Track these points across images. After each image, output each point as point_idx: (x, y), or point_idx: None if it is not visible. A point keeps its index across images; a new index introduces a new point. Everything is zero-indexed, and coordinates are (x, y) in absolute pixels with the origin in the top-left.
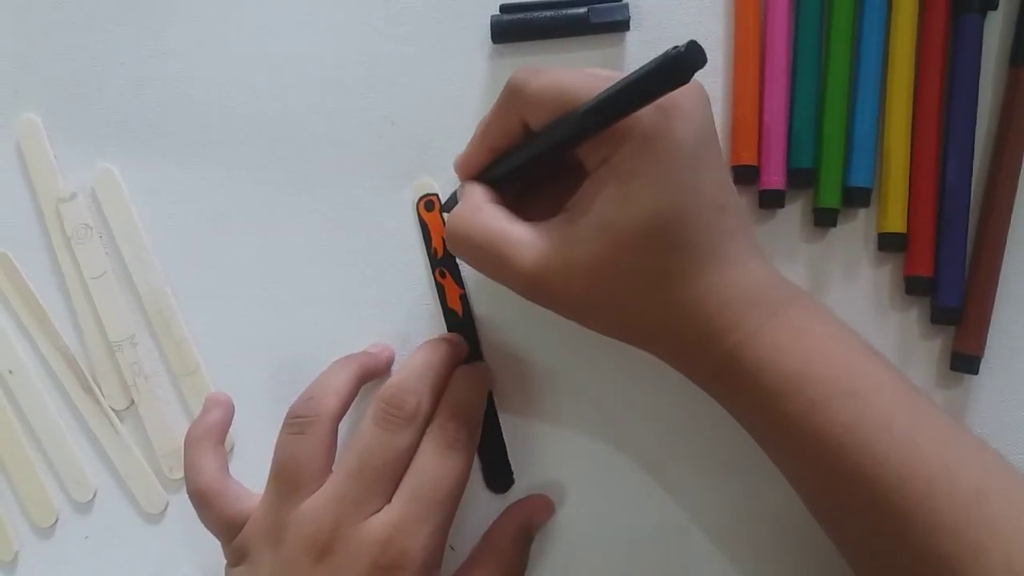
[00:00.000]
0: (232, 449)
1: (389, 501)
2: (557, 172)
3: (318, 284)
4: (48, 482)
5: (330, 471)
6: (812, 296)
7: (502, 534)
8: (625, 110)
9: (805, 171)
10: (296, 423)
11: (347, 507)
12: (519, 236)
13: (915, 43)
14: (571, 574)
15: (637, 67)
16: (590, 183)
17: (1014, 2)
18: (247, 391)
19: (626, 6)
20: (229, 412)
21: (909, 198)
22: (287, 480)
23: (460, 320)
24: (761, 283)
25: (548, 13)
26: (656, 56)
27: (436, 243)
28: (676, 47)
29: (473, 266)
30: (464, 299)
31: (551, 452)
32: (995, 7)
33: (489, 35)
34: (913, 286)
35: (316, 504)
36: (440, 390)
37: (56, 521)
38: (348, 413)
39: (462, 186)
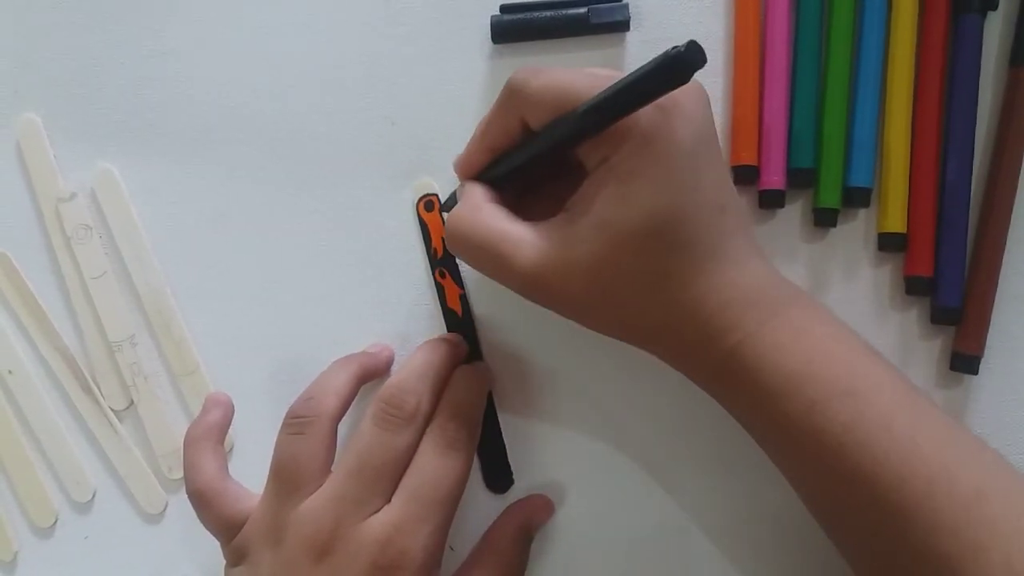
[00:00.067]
0: (232, 449)
1: (389, 501)
2: (557, 172)
3: (318, 284)
4: (48, 482)
5: (330, 471)
6: (812, 296)
7: (502, 534)
8: (624, 110)
9: (805, 171)
10: (296, 423)
11: (347, 507)
12: (518, 236)
13: (915, 43)
14: (571, 574)
15: (637, 67)
16: (589, 183)
17: (1014, 2)
18: (247, 391)
19: (626, 6)
20: (229, 412)
21: (909, 198)
22: (287, 480)
23: (460, 320)
24: (761, 283)
25: (548, 13)
26: (656, 56)
27: (436, 243)
28: (676, 47)
29: (472, 266)
30: (464, 299)
31: (551, 452)
32: (995, 7)
33: (489, 35)
34: (913, 286)
35: (316, 504)
36: (440, 390)
37: (56, 521)
38: (348, 413)
39: (462, 186)
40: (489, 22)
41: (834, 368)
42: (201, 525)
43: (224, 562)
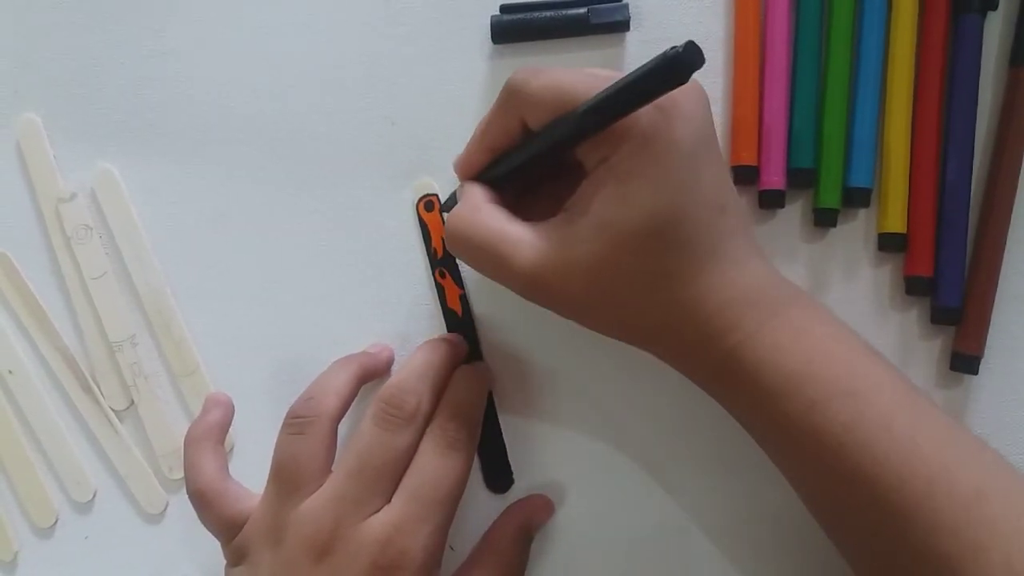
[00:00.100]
0: (232, 449)
1: (389, 501)
2: (556, 172)
3: (318, 284)
4: (48, 482)
5: (330, 471)
6: (812, 296)
7: (502, 534)
8: (624, 110)
9: (805, 171)
10: (296, 423)
11: (347, 507)
12: (518, 236)
13: (915, 43)
14: (571, 574)
15: (637, 67)
16: (589, 183)
17: (1014, 2)
18: (247, 391)
19: (626, 6)
20: (229, 412)
21: (909, 198)
22: (287, 480)
23: (460, 320)
24: (761, 283)
25: (548, 13)
26: (654, 56)
27: (436, 243)
28: (674, 47)
29: (472, 266)
30: (464, 299)
31: (551, 452)
32: (995, 7)
33: (489, 35)
34: (913, 286)
35: (316, 504)
36: (440, 390)
37: (56, 521)
38: (348, 413)
39: (461, 186)
40: (489, 22)
41: (834, 368)
42: (201, 525)
43: (224, 562)
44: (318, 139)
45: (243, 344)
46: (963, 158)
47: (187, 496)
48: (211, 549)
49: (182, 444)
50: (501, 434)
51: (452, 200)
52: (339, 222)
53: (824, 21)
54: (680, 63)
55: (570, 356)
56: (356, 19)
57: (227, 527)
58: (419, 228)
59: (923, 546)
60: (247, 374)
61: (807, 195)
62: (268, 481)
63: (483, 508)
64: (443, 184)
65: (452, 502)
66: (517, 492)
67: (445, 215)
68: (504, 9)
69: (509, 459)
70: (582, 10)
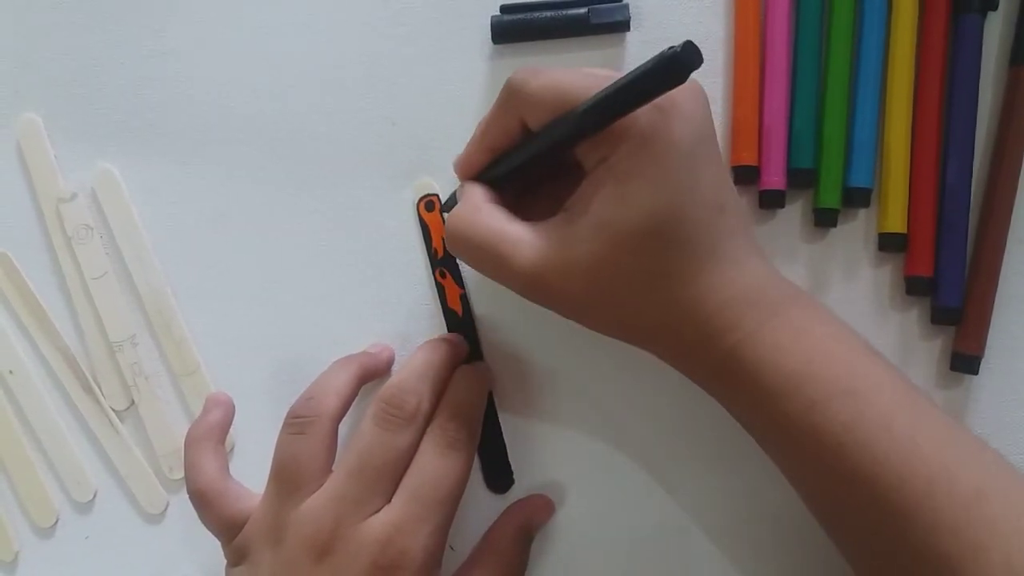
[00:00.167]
0: (232, 449)
1: (389, 501)
2: (556, 172)
3: (318, 284)
4: (48, 482)
5: (330, 471)
6: (812, 296)
7: (502, 534)
8: (622, 110)
9: (805, 171)
10: (296, 423)
11: (347, 507)
12: (518, 236)
13: (915, 43)
14: (571, 574)
15: (636, 67)
16: (588, 183)
17: (1014, 2)
18: (247, 391)
19: (626, 6)
20: (230, 412)
21: (909, 198)
22: (287, 480)
23: (460, 320)
24: (761, 283)
25: (548, 13)
26: (653, 56)
27: (436, 243)
28: (672, 47)
29: (472, 266)
30: (464, 299)
31: (551, 452)
32: (995, 7)
33: (489, 35)
34: (913, 286)
35: (316, 504)
36: (440, 390)
37: (56, 521)
38: (348, 413)
39: (461, 186)
40: (489, 22)
41: (834, 368)
42: (202, 525)
43: (225, 562)
44: (318, 139)
45: (243, 344)
46: (963, 158)
47: (187, 496)
48: (211, 549)
49: (182, 444)
50: (501, 434)
51: (452, 200)
52: (339, 222)
53: (824, 21)
54: (678, 63)
55: (570, 356)
56: (356, 19)
57: (227, 527)
58: (419, 228)
59: (923, 546)
60: (247, 374)
61: (807, 195)
62: (268, 481)
63: (483, 508)
64: (443, 184)
65: (452, 502)
66: (517, 492)
67: (445, 215)
68: (504, 9)
69: (509, 459)
70: (582, 10)
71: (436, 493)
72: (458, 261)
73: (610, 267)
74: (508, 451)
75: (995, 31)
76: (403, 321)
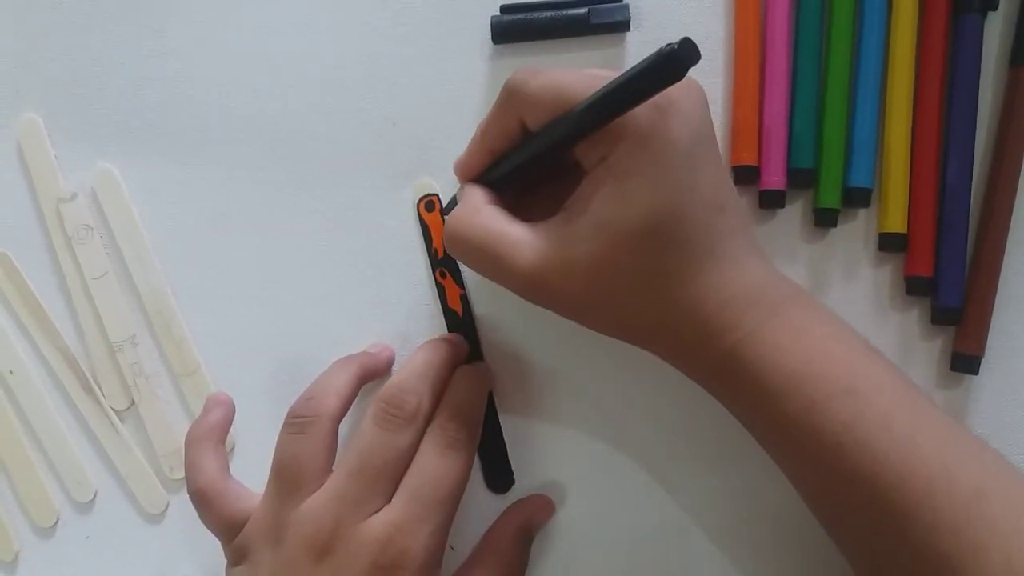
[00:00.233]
0: (233, 449)
1: (389, 501)
2: (556, 173)
3: (318, 284)
4: (49, 482)
5: (330, 471)
6: (812, 295)
7: (502, 534)
8: (621, 107)
9: (805, 171)
10: (296, 423)
11: (347, 507)
12: (517, 236)
13: (915, 44)
14: (571, 574)
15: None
16: (587, 183)
17: (1014, 2)
18: (247, 391)
19: (626, 7)
20: (230, 412)
21: (909, 198)
22: (288, 480)
23: (460, 320)
24: (761, 282)
25: (548, 13)
26: (650, 54)
27: (436, 243)
28: (670, 44)
29: (472, 267)
30: (464, 299)
31: (551, 452)
32: (995, 7)
33: (489, 35)
34: (913, 286)
35: (316, 504)
36: (440, 390)
37: (57, 521)
38: (349, 413)
39: (462, 188)
40: (489, 22)
41: (834, 367)
42: (202, 525)
43: (225, 562)
44: (318, 139)
45: (244, 344)
46: (963, 158)
47: (188, 496)
48: (212, 549)
49: (183, 444)
50: (501, 434)
51: (453, 203)
52: (339, 222)
53: (824, 21)
54: (676, 59)
55: (570, 356)
56: (356, 19)
57: (228, 527)
58: (419, 228)
59: (923, 545)
60: (248, 374)
61: (807, 195)
62: (269, 481)
63: (483, 508)
64: (443, 184)
65: (452, 502)
66: (517, 492)
67: (446, 218)
68: (504, 9)
69: (509, 459)
70: (582, 10)
71: (436, 493)
72: (458, 261)
73: (609, 266)
74: (508, 451)
75: (995, 31)
76: (403, 321)
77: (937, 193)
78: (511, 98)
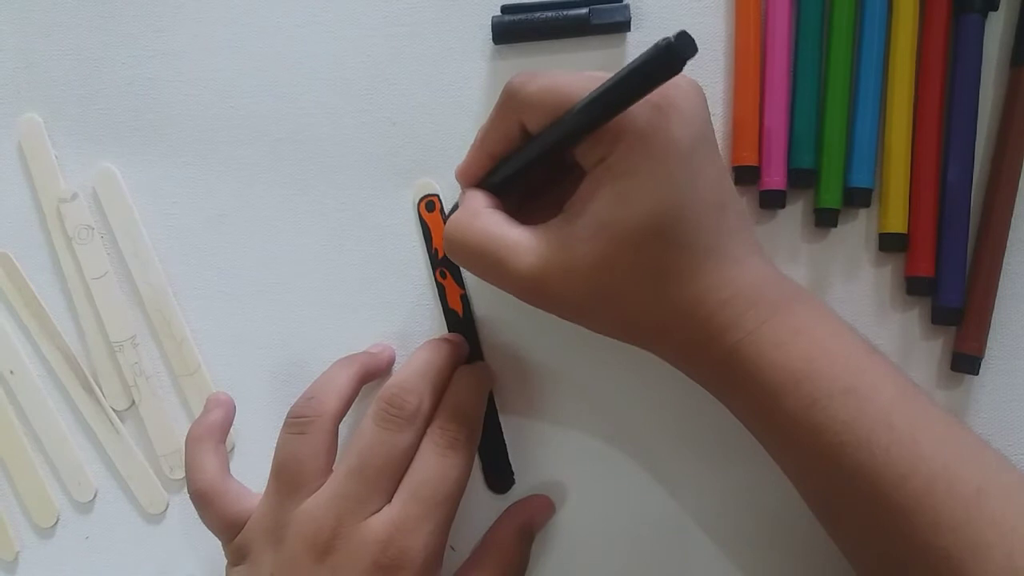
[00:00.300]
0: (233, 449)
1: (390, 500)
2: (557, 176)
3: (319, 284)
4: (49, 482)
5: (331, 471)
6: (813, 294)
7: (503, 534)
8: (620, 104)
9: (806, 171)
10: (297, 423)
11: (348, 506)
12: (516, 240)
13: (916, 43)
14: (571, 574)
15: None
16: (587, 183)
17: (1015, 2)
18: (248, 391)
19: (627, 7)
20: (230, 412)
21: (910, 198)
22: (288, 479)
23: (461, 320)
24: (761, 281)
25: (549, 14)
26: (647, 49)
27: (437, 243)
28: (667, 37)
29: (472, 271)
30: (465, 299)
31: (551, 452)
32: (996, 7)
33: (490, 36)
34: (914, 286)
35: (317, 503)
36: (441, 390)
37: (57, 521)
38: (349, 413)
39: (463, 193)
40: (490, 22)
41: (835, 366)
42: (202, 525)
43: (225, 562)
44: (319, 139)
45: (244, 344)
46: (964, 158)
47: (188, 496)
48: (212, 549)
49: (183, 444)
50: (502, 434)
51: (455, 209)
52: (340, 222)
53: (825, 21)
54: (673, 52)
55: (571, 356)
56: (357, 19)
57: (228, 527)
58: (420, 228)
59: (924, 543)
60: (248, 374)
61: (808, 195)
62: (269, 480)
63: (484, 508)
64: (444, 184)
65: (452, 502)
66: (517, 492)
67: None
68: (505, 9)
69: (510, 459)
70: (583, 10)
71: (436, 493)
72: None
73: (610, 267)
74: (509, 451)
75: (996, 31)
76: (403, 321)
77: (937, 193)
78: (510, 101)
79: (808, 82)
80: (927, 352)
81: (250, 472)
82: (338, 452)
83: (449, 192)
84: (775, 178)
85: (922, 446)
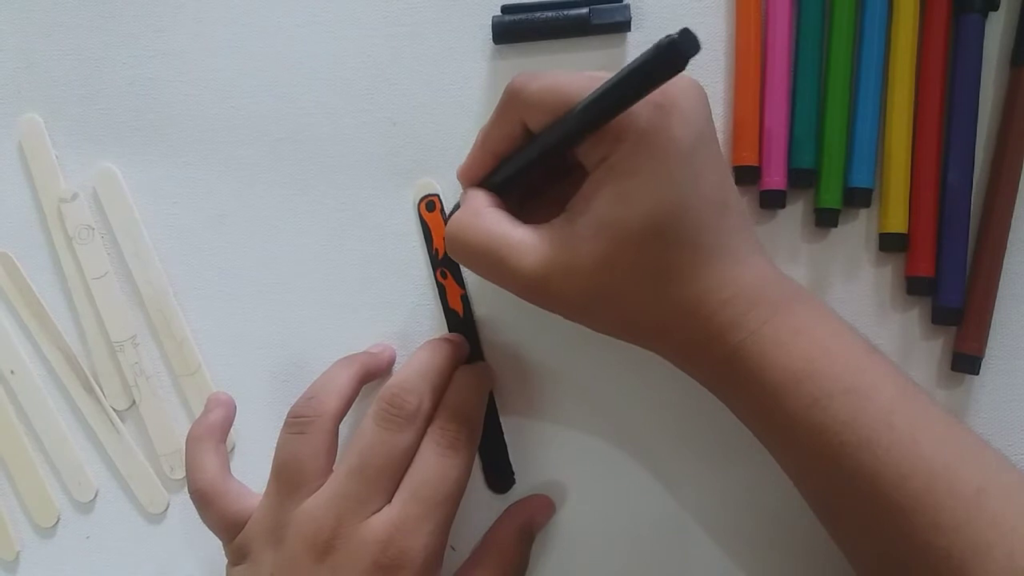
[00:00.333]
0: (233, 449)
1: (390, 500)
2: (559, 176)
3: (319, 284)
4: (49, 482)
5: (331, 471)
6: (814, 294)
7: (503, 534)
8: (623, 103)
9: (806, 171)
10: (297, 423)
11: (348, 506)
12: (519, 239)
13: (916, 43)
14: (571, 574)
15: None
16: (589, 183)
17: (1015, 2)
18: (248, 391)
19: (627, 7)
20: (231, 412)
21: (910, 198)
22: (288, 479)
23: (461, 320)
24: (763, 281)
25: (549, 14)
26: (650, 47)
27: (437, 243)
28: (669, 35)
29: (474, 271)
30: (465, 299)
31: (551, 452)
32: (996, 7)
33: (491, 36)
34: (914, 286)
35: (317, 503)
36: (441, 390)
37: (57, 521)
38: (349, 413)
39: (464, 193)
40: (490, 22)
41: (835, 366)
42: (203, 524)
43: (226, 561)
44: (319, 139)
45: (244, 344)
46: (964, 158)
47: (188, 495)
48: (212, 548)
49: (183, 444)
50: (502, 434)
51: (456, 208)
52: (340, 222)
53: (825, 21)
54: (676, 50)
55: (571, 356)
56: (357, 19)
57: (229, 526)
58: (420, 228)
59: (924, 543)
60: (248, 374)
61: (808, 195)
62: (269, 480)
63: (484, 508)
64: (444, 184)
65: (453, 502)
66: (518, 492)
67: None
68: (505, 9)
69: (510, 459)
70: (583, 10)
71: (436, 493)
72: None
73: (612, 266)
74: (509, 451)
75: (996, 31)
76: (404, 321)
77: (938, 193)
78: (512, 101)
79: (808, 82)
80: (927, 352)
81: (250, 472)
82: (338, 452)
83: (449, 192)
84: (775, 178)
85: (922, 446)
